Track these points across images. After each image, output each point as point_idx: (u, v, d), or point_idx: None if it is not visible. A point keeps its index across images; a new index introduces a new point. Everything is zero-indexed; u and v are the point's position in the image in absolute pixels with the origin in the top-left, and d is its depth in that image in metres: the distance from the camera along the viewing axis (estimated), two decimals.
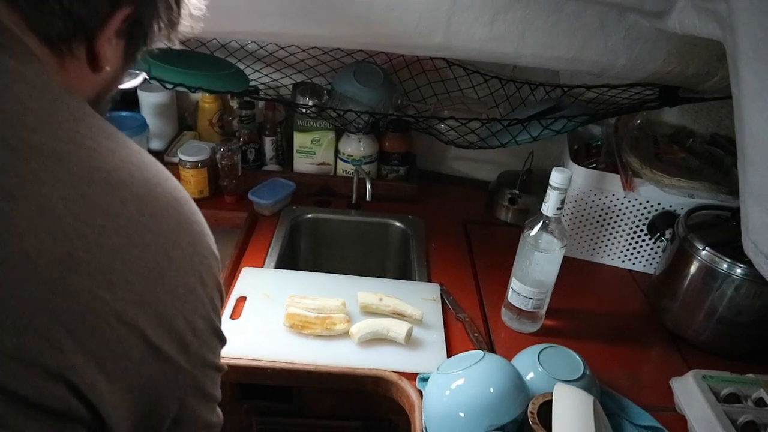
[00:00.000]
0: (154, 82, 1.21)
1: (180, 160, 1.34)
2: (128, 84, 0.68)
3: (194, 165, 1.34)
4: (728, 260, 1.01)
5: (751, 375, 0.95)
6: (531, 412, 0.78)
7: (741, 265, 0.99)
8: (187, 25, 0.63)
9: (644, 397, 0.97)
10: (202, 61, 1.32)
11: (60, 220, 0.42)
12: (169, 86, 1.20)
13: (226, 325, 1.00)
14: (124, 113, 1.38)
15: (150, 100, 1.46)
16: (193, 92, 1.25)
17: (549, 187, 0.96)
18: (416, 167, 1.52)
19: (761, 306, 1.02)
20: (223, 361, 0.86)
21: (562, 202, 0.96)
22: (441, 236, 1.34)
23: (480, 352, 0.85)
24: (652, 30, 0.98)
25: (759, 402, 0.92)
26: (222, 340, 0.57)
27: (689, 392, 0.93)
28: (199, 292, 0.51)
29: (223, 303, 0.57)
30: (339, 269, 1.38)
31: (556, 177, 0.94)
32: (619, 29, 0.99)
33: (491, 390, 0.80)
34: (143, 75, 1.16)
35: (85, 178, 0.45)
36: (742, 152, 0.77)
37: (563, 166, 1.22)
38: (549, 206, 0.97)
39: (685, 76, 1.08)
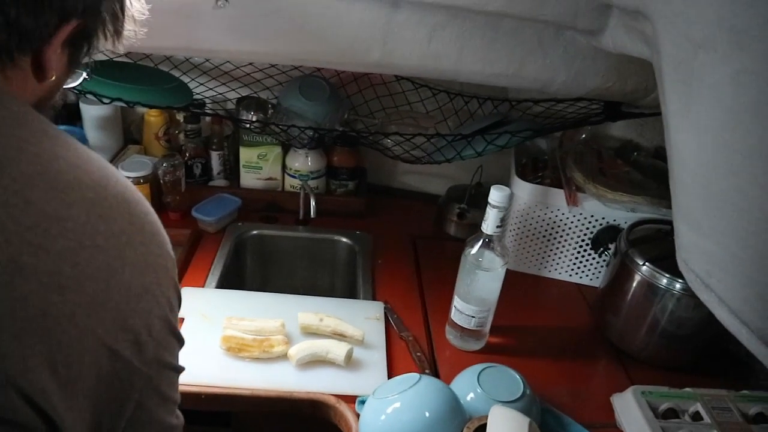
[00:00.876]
0: (92, 96, 1.18)
1: None
2: (70, 84, 0.67)
3: (136, 181, 1.30)
4: (667, 276, 1.02)
5: (688, 389, 0.96)
6: None
7: (680, 280, 1.00)
8: (130, 30, 0.62)
9: (586, 414, 0.97)
10: (144, 74, 1.29)
11: (2, 226, 0.42)
12: (106, 101, 1.16)
13: None
14: (62, 127, 1.33)
15: (92, 113, 1.42)
16: (131, 107, 1.22)
17: (488, 206, 0.95)
18: (366, 182, 1.51)
19: (700, 319, 1.02)
20: None
21: (503, 220, 0.96)
22: (389, 252, 1.32)
23: (416, 375, 0.83)
24: (590, 47, 0.99)
25: (695, 416, 0.92)
26: (180, 341, 0.57)
27: (628, 409, 0.93)
28: (154, 292, 0.51)
29: (180, 304, 0.57)
30: (287, 287, 1.35)
31: (495, 195, 0.94)
32: (557, 46, 0.99)
33: (426, 414, 0.78)
34: (83, 75, 1.13)
35: (28, 184, 0.45)
36: (671, 170, 0.77)
37: (508, 181, 1.23)
38: (488, 224, 0.96)
39: (625, 92, 1.09)
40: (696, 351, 1.09)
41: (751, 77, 0.56)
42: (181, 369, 0.59)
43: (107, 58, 1.32)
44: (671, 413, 0.92)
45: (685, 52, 0.64)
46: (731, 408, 0.93)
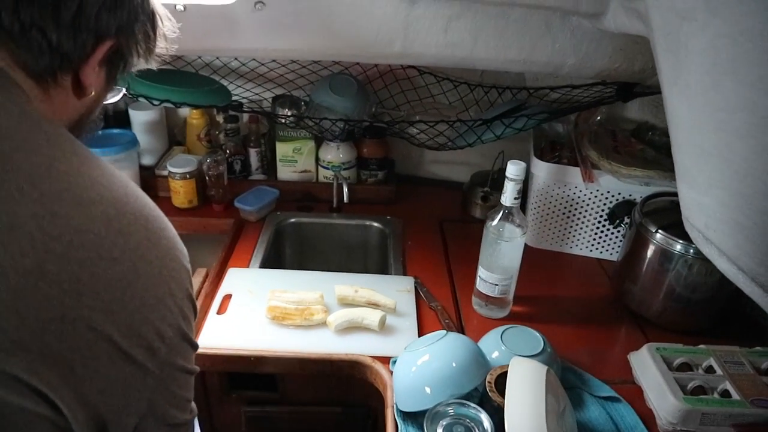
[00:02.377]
0: (143, 100, 1.30)
1: (169, 172, 1.43)
2: (109, 100, 0.76)
3: (183, 176, 1.42)
4: (681, 241, 1.08)
5: (702, 346, 1.02)
6: (489, 382, 0.85)
7: (693, 245, 1.06)
8: (162, 47, 0.69)
9: (605, 371, 1.03)
10: (187, 79, 1.41)
11: (30, 235, 0.47)
12: (156, 102, 1.28)
13: (213, 320, 1.07)
14: (115, 130, 1.47)
15: (140, 118, 1.54)
16: (179, 107, 1.34)
17: (506, 179, 1.03)
18: (394, 171, 1.60)
19: (714, 282, 1.08)
20: (210, 352, 0.94)
21: (519, 192, 1.04)
22: (418, 234, 1.41)
23: (443, 332, 0.91)
24: (595, 30, 1.07)
25: (708, 369, 0.98)
26: (193, 346, 0.62)
27: (644, 363, 1.00)
28: (167, 302, 0.55)
29: (195, 312, 0.62)
30: (322, 270, 1.45)
31: (512, 169, 1.02)
32: (565, 31, 1.07)
33: (453, 364, 0.87)
34: (122, 91, 1.25)
35: (55, 198, 0.50)
36: (671, 137, 0.85)
37: (528, 162, 1.30)
38: (507, 197, 1.04)
39: (633, 72, 1.16)
40: (712, 314, 1.14)
41: (725, 40, 0.63)
42: (194, 371, 0.63)
43: (153, 67, 1.46)
44: (685, 367, 0.98)
45: (672, 23, 0.72)
46: (743, 362, 0.98)
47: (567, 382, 1.00)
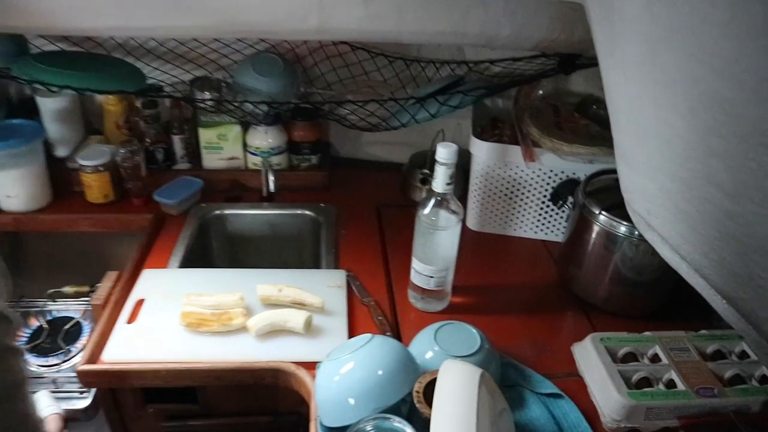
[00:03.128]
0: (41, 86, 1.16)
1: (80, 165, 1.30)
2: None
3: (95, 169, 1.29)
4: (624, 223, 1.02)
5: (648, 333, 0.96)
6: (416, 391, 0.77)
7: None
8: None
9: (549, 364, 0.97)
10: (96, 62, 1.27)
11: None
12: (54, 89, 1.15)
13: (122, 330, 0.97)
14: (16, 121, 1.32)
15: (49, 106, 1.40)
16: (82, 94, 1.21)
17: (436, 164, 0.94)
18: (329, 155, 1.50)
19: (659, 264, 1.02)
20: (117, 367, 0.86)
21: (452, 176, 0.95)
22: (353, 222, 1.32)
23: (368, 335, 0.83)
24: None
25: (654, 358, 0.93)
26: (8, 321, 0.57)
27: (587, 355, 0.94)
28: None
29: (8, 290, 0.59)
30: (254, 264, 1.35)
31: (442, 152, 0.93)
32: (497, 0, 0.98)
33: (379, 372, 0.78)
34: None
35: None
36: (610, 113, 0.77)
37: (468, 142, 1.22)
38: (438, 182, 0.96)
39: (573, 43, 1.08)
40: (658, 297, 1.09)
41: (662, 5, 0.55)
42: (13, 349, 0.58)
43: (59, 49, 1.31)
44: (630, 357, 0.93)
45: None
46: (689, 348, 0.94)
47: (507, 379, 0.93)
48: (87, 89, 1.18)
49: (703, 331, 0.98)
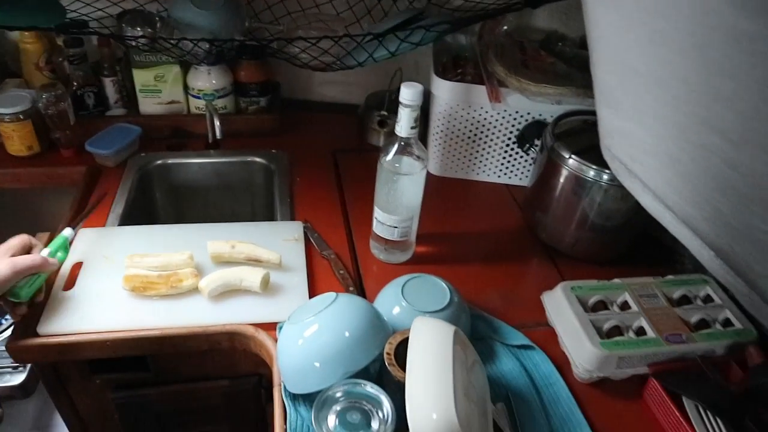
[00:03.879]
0: None
1: None
2: None
3: (14, 117, 1.15)
4: (594, 167, 0.98)
5: (617, 280, 0.94)
6: (387, 353, 0.72)
7: (607, 171, 0.96)
8: None
9: (518, 315, 0.95)
10: None
11: None
12: None
13: (59, 298, 0.87)
14: None
15: None
16: None
17: (400, 105, 0.87)
18: (279, 97, 1.40)
19: (628, 209, 1.00)
20: (55, 340, 0.78)
21: (416, 120, 0.88)
22: (308, 169, 1.24)
23: (333, 294, 0.77)
24: None
25: (623, 305, 0.91)
26: None
27: (558, 305, 0.91)
28: None
29: None
30: (204, 219, 1.26)
31: (406, 93, 0.85)
32: None
33: (346, 334, 0.73)
34: None
35: None
36: (591, 51, 0.71)
37: (429, 81, 1.14)
38: (402, 126, 0.88)
39: None
40: (626, 242, 1.07)
41: None
42: None
43: None
44: (601, 305, 0.91)
45: None
46: (657, 294, 0.92)
47: (477, 332, 0.90)
48: None
49: (669, 277, 0.97)
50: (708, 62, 0.46)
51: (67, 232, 0.94)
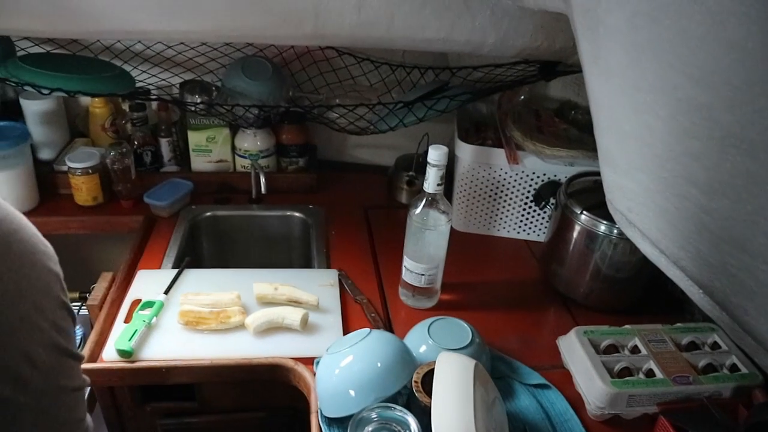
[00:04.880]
0: (30, 89, 1.17)
1: (69, 167, 1.31)
2: None
3: (84, 171, 1.30)
4: (604, 222, 1.07)
5: (627, 326, 1.01)
6: (415, 381, 0.81)
7: (616, 226, 1.05)
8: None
9: (535, 357, 1.02)
10: (84, 64, 1.28)
11: None
12: (45, 91, 1.16)
13: (120, 330, 0.98)
14: (3, 123, 1.32)
15: (34, 108, 1.40)
16: (72, 96, 1.22)
17: (428, 165, 0.99)
18: (316, 158, 1.54)
19: (637, 261, 1.08)
20: (117, 366, 0.86)
21: (442, 177, 1.00)
22: (342, 223, 1.35)
23: (366, 330, 0.87)
24: (515, 8, 1.03)
25: (634, 349, 0.98)
26: (77, 358, 0.55)
27: (572, 347, 0.98)
28: (34, 319, 0.47)
29: (73, 319, 0.54)
30: (244, 265, 1.37)
31: (433, 154, 0.97)
32: (485, 9, 1.03)
33: (378, 365, 0.82)
34: None
35: None
36: (593, 118, 0.82)
37: (452, 145, 1.27)
38: (430, 183, 1.00)
39: (554, 50, 1.13)
40: (636, 293, 1.15)
41: (643, 18, 0.60)
42: (83, 386, 0.56)
43: (45, 51, 1.32)
44: (612, 348, 0.98)
45: (590, 2, 0.69)
46: (666, 339, 0.99)
47: (497, 371, 0.97)
48: (78, 91, 1.19)
49: (678, 324, 1.03)
50: (679, 127, 0.57)
51: (162, 297, 1.05)
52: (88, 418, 0.59)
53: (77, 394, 0.55)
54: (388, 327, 1.06)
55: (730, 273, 0.59)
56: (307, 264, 1.29)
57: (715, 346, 1.01)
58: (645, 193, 0.71)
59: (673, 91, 0.56)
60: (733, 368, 0.97)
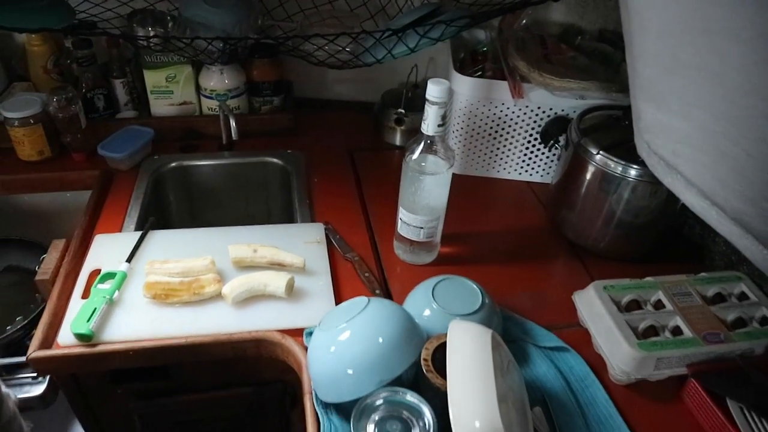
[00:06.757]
0: None
1: (5, 117, 1.13)
2: None
3: (24, 122, 1.13)
4: (623, 163, 0.95)
5: (649, 278, 0.92)
6: (424, 359, 0.70)
7: (635, 167, 0.94)
8: None
9: (549, 316, 0.92)
10: None
11: None
12: None
13: (77, 307, 0.84)
14: None
15: None
16: None
17: (426, 103, 0.84)
18: (293, 96, 1.37)
19: (657, 205, 0.98)
20: (76, 351, 0.77)
21: (443, 117, 0.86)
22: (325, 169, 1.21)
23: (364, 299, 0.75)
24: None
25: (657, 304, 0.89)
26: None
27: (591, 305, 0.89)
28: None
29: None
30: (219, 221, 1.24)
31: (433, 90, 0.83)
32: None
33: (380, 340, 0.70)
34: None
35: None
36: (630, 44, 0.68)
37: (447, 77, 1.12)
38: (429, 124, 0.86)
39: None
40: (653, 239, 1.05)
41: None
42: None
43: None
44: (634, 305, 0.89)
45: None
46: (691, 292, 0.90)
47: (508, 334, 0.87)
48: (2, 27, 1.00)
49: (702, 274, 0.94)
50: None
51: (124, 266, 0.91)
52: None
53: None
54: (384, 287, 0.94)
55: None
56: (288, 218, 1.16)
57: (742, 296, 0.93)
58: (702, 135, 0.58)
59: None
60: (764, 321, 0.88)
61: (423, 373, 0.69)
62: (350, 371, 0.70)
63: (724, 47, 0.49)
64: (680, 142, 0.64)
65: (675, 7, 0.55)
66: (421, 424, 0.64)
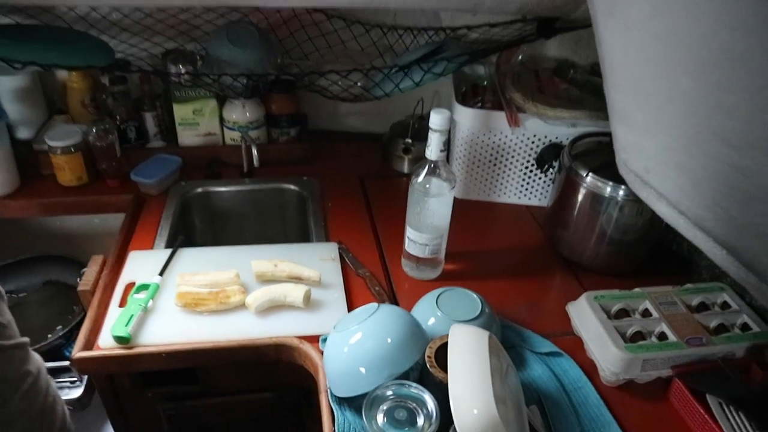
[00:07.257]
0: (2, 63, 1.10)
1: (49, 146, 1.24)
2: None
3: (66, 150, 1.24)
4: (610, 183, 1.04)
5: (637, 289, 0.99)
6: (428, 356, 0.78)
7: (623, 187, 1.02)
8: None
9: (545, 325, 1.00)
10: (58, 36, 1.21)
11: None
12: (18, 65, 1.09)
13: (114, 315, 0.94)
14: None
15: (7, 85, 1.33)
16: (47, 70, 1.15)
17: (429, 131, 0.94)
18: (308, 127, 1.48)
19: (643, 223, 1.06)
20: (114, 353, 0.85)
21: (445, 143, 0.95)
22: (338, 194, 1.31)
23: (374, 305, 0.83)
24: None
25: (645, 313, 0.96)
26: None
27: (583, 313, 0.96)
28: None
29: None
30: (239, 242, 1.33)
31: (436, 119, 0.93)
32: None
33: (388, 340, 0.79)
34: None
35: None
36: (604, 74, 0.78)
37: (450, 109, 1.22)
38: (432, 149, 0.96)
39: (555, 6, 1.08)
40: (643, 255, 1.13)
41: None
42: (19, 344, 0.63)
43: (13, 22, 1.24)
44: (623, 313, 0.96)
45: None
46: (676, 301, 0.97)
47: (507, 341, 0.95)
48: (54, 64, 1.12)
49: (687, 285, 1.02)
50: (710, 79, 0.53)
51: (157, 279, 1.00)
52: (37, 368, 0.66)
53: (13, 351, 0.62)
54: (393, 300, 1.03)
55: (761, 232, 0.56)
56: (304, 238, 1.25)
57: (725, 305, 1.00)
58: (665, 152, 0.67)
59: (704, 41, 0.52)
60: (745, 327, 0.95)
61: (427, 368, 0.77)
62: (362, 368, 0.78)
63: (675, 76, 0.59)
64: (649, 160, 0.73)
65: (633, 43, 0.65)
66: (425, 412, 0.72)
